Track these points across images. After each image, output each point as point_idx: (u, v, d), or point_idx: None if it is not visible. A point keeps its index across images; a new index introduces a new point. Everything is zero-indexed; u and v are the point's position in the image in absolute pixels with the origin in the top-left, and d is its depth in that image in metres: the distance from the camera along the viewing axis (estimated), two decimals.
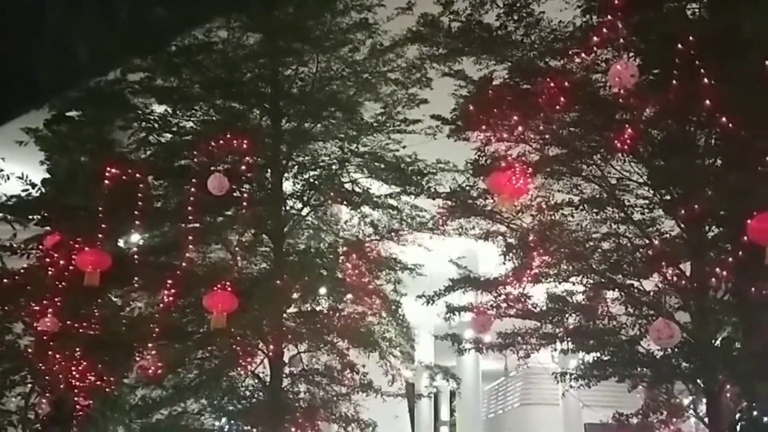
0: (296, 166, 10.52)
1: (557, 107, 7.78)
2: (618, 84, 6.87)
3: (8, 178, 10.84)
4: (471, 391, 20.26)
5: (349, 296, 10.33)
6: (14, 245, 10.95)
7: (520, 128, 8.26)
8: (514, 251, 8.85)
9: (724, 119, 7.04)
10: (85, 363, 10.49)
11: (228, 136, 9.38)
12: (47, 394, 11.69)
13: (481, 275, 9.30)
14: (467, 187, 8.97)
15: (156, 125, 10.20)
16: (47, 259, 10.33)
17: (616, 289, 8.47)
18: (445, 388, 27.26)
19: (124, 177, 9.57)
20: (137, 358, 10.16)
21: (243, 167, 9.53)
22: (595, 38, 7.45)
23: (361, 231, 10.70)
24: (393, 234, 10.49)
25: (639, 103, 7.44)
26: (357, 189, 10.48)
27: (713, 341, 7.93)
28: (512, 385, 23.78)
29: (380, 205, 10.41)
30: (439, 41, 8.84)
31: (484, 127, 8.26)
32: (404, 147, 10.24)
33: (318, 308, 10.50)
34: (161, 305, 9.98)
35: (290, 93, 10.25)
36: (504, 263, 8.86)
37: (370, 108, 10.25)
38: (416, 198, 10.20)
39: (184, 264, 9.83)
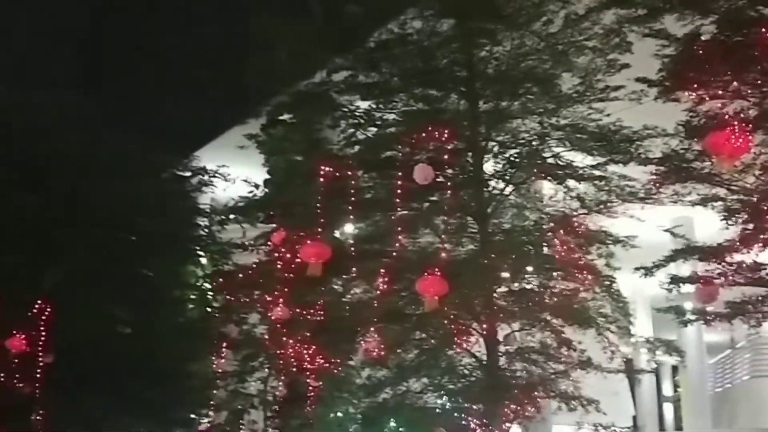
0: (496, 146, 10.55)
1: None
2: None
3: (234, 182, 11.86)
4: (695, 364, 19.18)
5: (560, 273, 10.22)
6: (245, 243, 11.99)
7: (734, 83, 7.73)
8: (738, 215, 8.31)
9: None
10: (313, 347, 11.30)
11: (428, 124, 9.61)
12: (282, 377, 12.73)
13: (701, 243, 8.83)
14: (681, 151, 8.53)
15: (361, 120, 10.69)
16: (275, 254, 11.22)
17: None
18: (667, 363, 26.10)
19: (336, 172, 10.12)
20: (360, 341, 10.77)
21: (445, 155, 9.72)
22: None
23: (567, 206, 10.52)
24: (601, 206, 10.20)
25: None
26: (560, 163, 10.30)
27: None
28: (740, 357, 22.27)
29: (586, 178, 10.16)
30: (637, 2, 8.46)
31: (695, 85, 7.81)
32: (607, 115, 9.93)
33: (528, 286, 10.50)
34: (378, 290, 10.49)
35: (485, 74, 10.30)
36: (727, 228, 8.35)
37: (567, 79, 10.03)
38: (624, 167, 9.85)
39: (396, 251, 10.25)
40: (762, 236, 7.93)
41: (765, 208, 7.93)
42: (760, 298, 8.34)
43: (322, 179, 10.14)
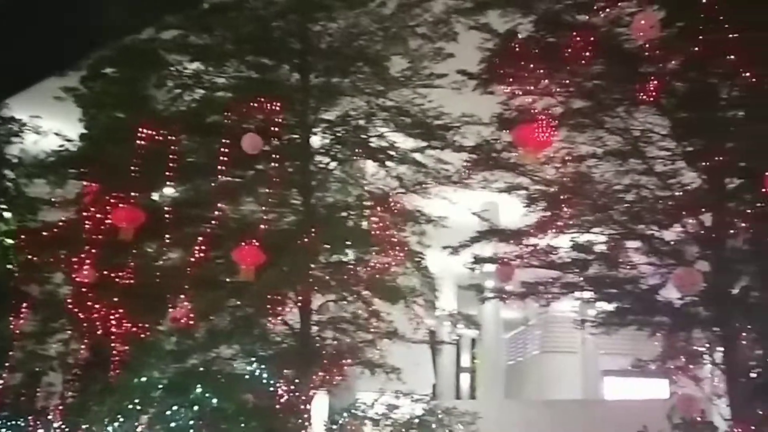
0: (324, 122, 10.70)
1: (582, 60, 7.86)
2: (641, 35, 6.96)
3: (46, 135, 11.13)
4: (491, 338, 20.61)
5: (375, 248, 10.60)
6: (52, 199, 11.29)
7: (545, 81, 8.33)
8: (537, 203, 9.03)
9: (747, 72, 7.11)
10: (121, 311, 10.91)
11: (259, 93, 9.55)
12: (85, 340, 12.19)
13: (504, 227, 9.50)
14: (492, 141, 9.11)
15: (189, 82, 10.40)
16: (84, 213, 10.67)
17: (638, 239, 8.63)
18: (467, 336, 27.73)
19: (158, 133, 9.79)
20: (172, 307, 10.55)
21: (273, 126, 9.71)
22: None
23: (387, 184, 10.89)
24: (418, 187, 10.68)
25: (663, 55, 7.52)
26: (383, 143, 10.65)
27: (731, 290, 8.11)
28: (532, 334, 24.11)
29: (406, 159, 10.59)
30: None
31: (509, 80, 8.34)
32: (430, 101, 10.36)
33: (345, 260, 10.81)
34: (194, 256, 10.31)
35: (319, 48, 10.39)
36: (527, 215, 9.05)
37: (397, 63, 10.36)
38: (441, 152, 10.35)
39: (215, 218, 10.11)
40: (556, 223, 8.67)
41: (561, 198, 8.67)
42: (550, 279, 9.08)
43: (142, 138, 9.78)
